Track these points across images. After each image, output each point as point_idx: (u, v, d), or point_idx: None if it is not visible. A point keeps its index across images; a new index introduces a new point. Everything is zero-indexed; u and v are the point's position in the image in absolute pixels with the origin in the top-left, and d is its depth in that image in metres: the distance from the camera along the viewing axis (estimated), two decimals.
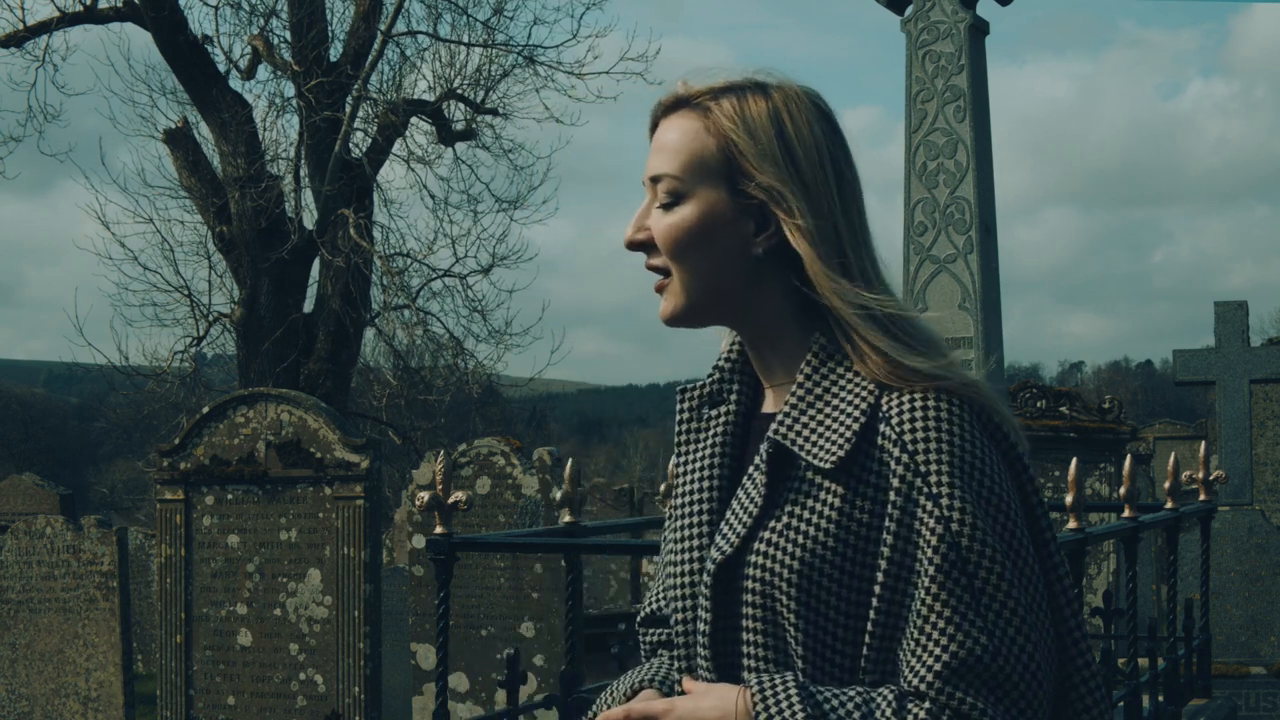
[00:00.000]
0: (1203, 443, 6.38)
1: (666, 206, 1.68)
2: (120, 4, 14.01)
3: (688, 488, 1.74)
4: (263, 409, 7.22)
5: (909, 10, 6.40)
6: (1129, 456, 5.36)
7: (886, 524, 1.56)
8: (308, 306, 14.32)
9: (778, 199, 1.63)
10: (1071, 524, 4.29)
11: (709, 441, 1.75)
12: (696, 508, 1.71)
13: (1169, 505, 5.39)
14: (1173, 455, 5.86)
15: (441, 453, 4.32)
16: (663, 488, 4.35)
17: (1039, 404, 10.69)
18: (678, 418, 1.79)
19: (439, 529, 3.95)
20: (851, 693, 1.53)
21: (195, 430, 7.36)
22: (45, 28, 14.05)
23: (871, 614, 1.56)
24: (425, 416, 15.87)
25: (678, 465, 1.78)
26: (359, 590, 6.97)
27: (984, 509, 1.54)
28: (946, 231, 6.13)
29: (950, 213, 6.15)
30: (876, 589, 1.56)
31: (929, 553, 1.53)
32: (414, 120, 14.83)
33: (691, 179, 1.66)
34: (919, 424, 1.56)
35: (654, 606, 1.84)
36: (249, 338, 13.86)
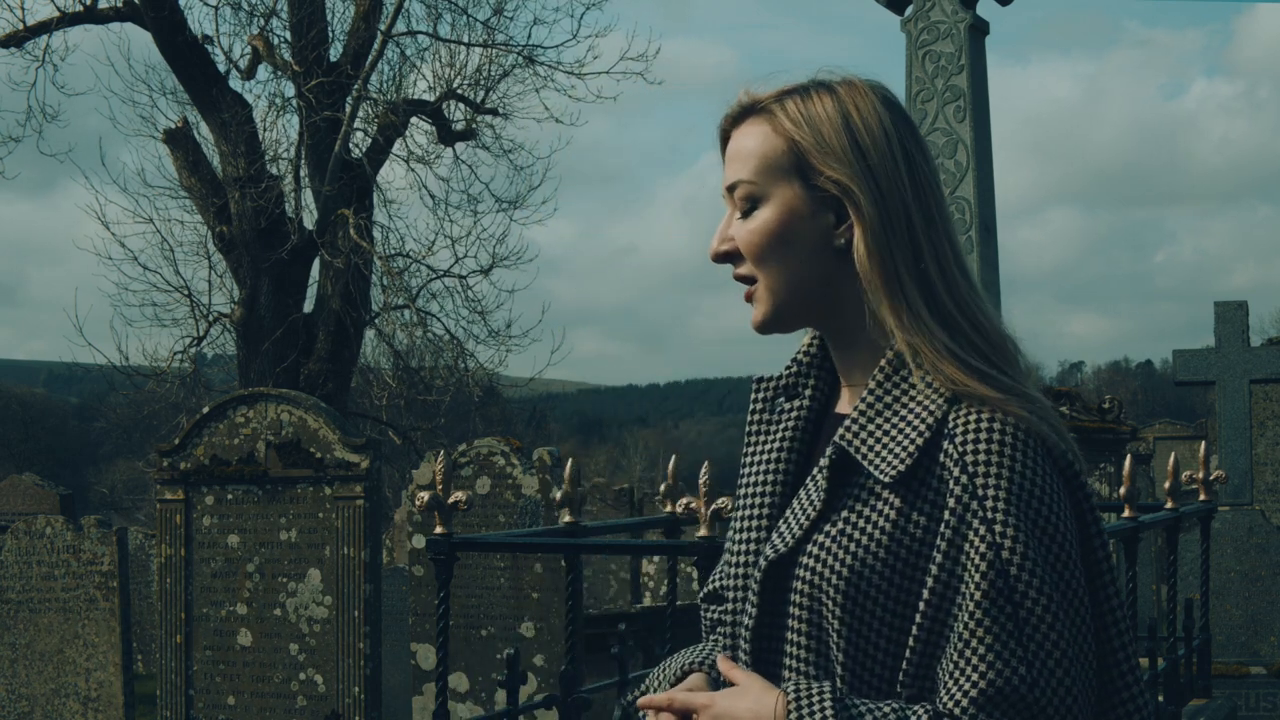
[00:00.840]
0: (1203, 443, 6.38)
1: (746, 214, 1.68)
2: (120, 4, 14.01)
3: (754, 478, 1.74)
4: (263, 409, 7.22)
5: (909, 10, 6.40)
6: (1129, 456, 5.36)
7: (938, 542, 1.55)
8: (308, 306, 14.32)
9: (848, 194, 1.63)
10: None
11: (779, 435, 1.75)
12: (759, 500, 1.72)
13: (1169, 505, 5.39)
14: (1173, 455, 5.86)
15: (441, 453, 4.32)
16: (663, 488, 4.35)
17: None
18: (751, 407, 1.79)
19: (439, 529, 3.96)
20: (887, 708, 1.53)
21: (195, 430, 7.36)
22: (45, 28, 14.05)
23: (914, 629, 1.56)
24: (425, 416, 15.87)
25: (746, 454, 1.78)
26: (359, 590, 6.97)
27: (1036, 538, 1.53)
28: None
29: (950, 213, 6.15)
30: (921, 605, 1.56)
31: (976, 577, 1.52)
32: (414, 120, 14.84)
33: (765, 181, 1.66)
34: (981, 445, 1.55)
35: (716, 584, 1.85)
36: (249, 338, 13.86)
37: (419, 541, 9.14)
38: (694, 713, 1.62)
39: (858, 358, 1.69)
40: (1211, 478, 5.89)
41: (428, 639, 9.00)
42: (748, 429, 1.79)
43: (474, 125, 15.05)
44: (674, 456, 4.37)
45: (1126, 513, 4.88)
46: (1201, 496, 5.92)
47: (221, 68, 14.12)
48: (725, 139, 1.73)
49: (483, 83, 14.75)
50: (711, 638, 1.84)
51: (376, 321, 15.01)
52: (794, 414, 1.75)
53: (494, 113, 14.92)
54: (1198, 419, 24.65)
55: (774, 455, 1.73)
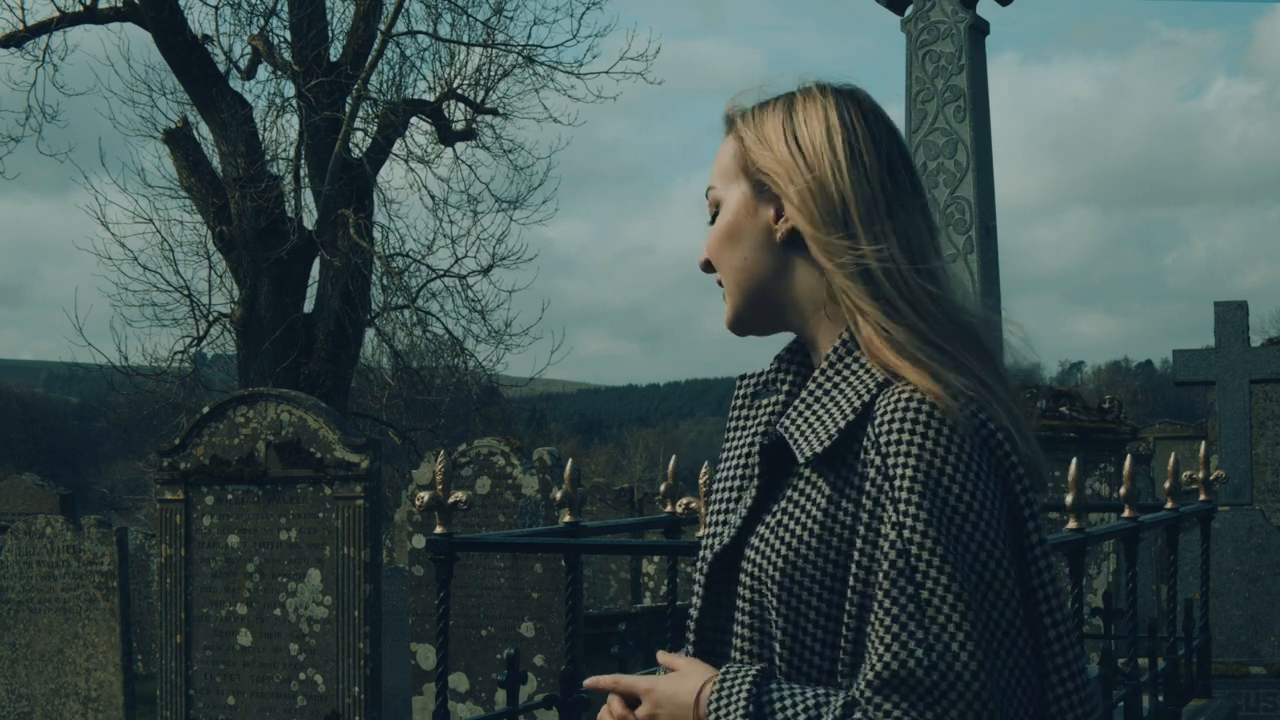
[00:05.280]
0: (1203, 443, 6.39)
1: (713, 219, 1.74)
2: (120, 4, 14.01)
3: (727, 474, 1.75)
4: (263, 409, 7.22)
5: (909, 10, 6.39)
6: (1129, 456, 5.36)
7: (858, 527, 1.55)
8: (308, 306, 14.31)
9: (775, 177, 1.66)
10: (1071, 524, 4.29)
11: (751, 430, 1.75)
12: (727, 495, 1.73)
13: (1169, 505, 5.39)
14: (1173, 455, 5.86)
15: (441, 453, 4.33)
16: (663, 488, 4.35)
17: (1039, 404, 10.69)
18: (732, 404, 1.81)
19: (439, 529, 3.96)
20: (809, 695, 1.54)
21: (195, 430, 7.36)
22: (45, 28, 14.05)
23: (844, 618, 1.56)
24: (425, 416, 15.87)
25: (723, 450, 1.79)
26: (359, 590, 6.97)
27: (944, 518, 1.50)
28: (946, 231, 6.13)
29: (950, 213, 6.15)
30: (849, 592, 1.55)
31: (883, 560, 1.51)
32: (414, 120, 14.84)
33: (722, 184, 1.73)
34: (894, 425, 1.54)
35: None
36: (249, 338, 13.86)
37: (419, 541, 9.14)
38: (639, 697, 1.66)
39: (820, 352, 1.71)
40: (1211, 478, 5.90)
41: (428, 639, 9.00)
42: (728, 425, 1.80)
43: (474, 125, 15.05)
44: (674, 456, 4.37)
45: (1126, 513, 4.88)
46: (1201, 496, 5.92)
47: (221, 68, 14.12)
48: None
49: (483, 83, 14.75)
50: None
51: (376, 321, 15.01)
52: (769, 409, 1.75)
53: (494, 113, 14.93)
54: (1198, 419, 24.64)
55: (744, 450, 1.74)
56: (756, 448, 1.70)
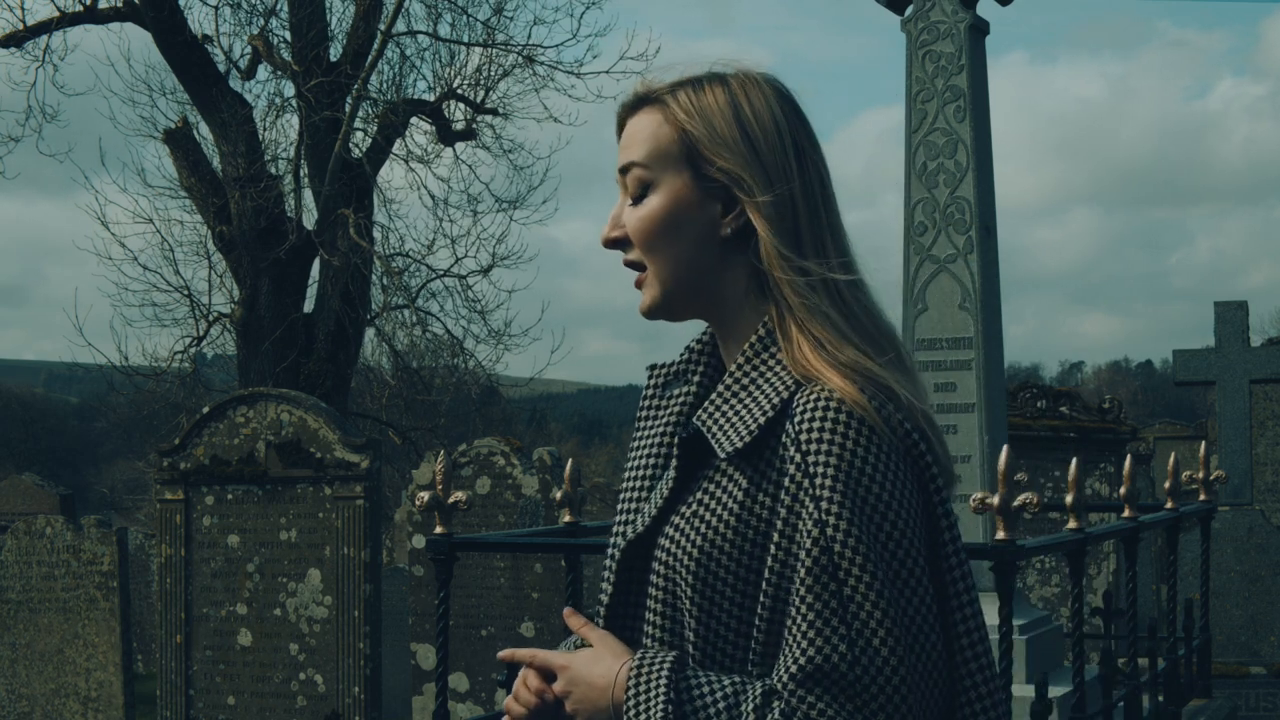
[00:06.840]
0: (1203, 443, 6.39)
1: (637, 200, 1.71)
2: (120, 4, 14.00)
3: (636, 464, 1.76)
4: (263, 409, 7.22)
5: (909, 10, 6.38)
6: (1129, 456, 5.36)
7: (775, 521, 1.57)
8: (308, 306, 14.31)
9: (737, 181, 1.65)
10: (1071, 524, 4.29)
11: (664, 420, 1.76)
12: (637, 484, 1.74)
13: (1169, 505, 5.40)
14: (1173, 455, 5.87)
15: (441, 453, 4.33)
16: None
17: (1039, 404, 10.69)
18: (643, 393, 1.81)
19: (439, 529, 3.96)
20: (726, 683, 1.55)
21: (195, 430, 7.36)
22: (45, 28, 14.04)
23: (758, 609, 1.57)
24: (425, 416, 15.87)
25: (634, 440, 1.80)
26: (359, 590, 6.97)
27: (865, 515, 1.53)
28: (946, 231, 6.12)
29: (950, 213, 6.14)
30: (764, 585, 1.57)
31: (803, 555, 1.53)
32: (414, 120, 14.83)
33: (657, 168, 1.69)
34: (815, 424, 1.56)
35: None
36: (249, 338, 13.86)
37: (419, 541, 9.14)
38: (554, 672, 1.67)
39: (736, 344, 1.71)
40: (1211, 478, 5.90)
41: (428, 639, 9.00)
42: (638, 414, 1.80)
43: (474, 125, 15.05)
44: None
45: (1126, 513, 4.88)
46: (1201, 496, 5.93)
47: (221, 68, 14.11)
48: (622, 126, 1.75)
49: (483, 83, 14.74)
50: None
51: (376, 321, 15.01)
52: (680, 399, 1.76)
53: (494, 113, 14.92)
54: (1198, 419, 24.64)
55: (656, 441, 1.75)
56: (670, 438, 1.72)
